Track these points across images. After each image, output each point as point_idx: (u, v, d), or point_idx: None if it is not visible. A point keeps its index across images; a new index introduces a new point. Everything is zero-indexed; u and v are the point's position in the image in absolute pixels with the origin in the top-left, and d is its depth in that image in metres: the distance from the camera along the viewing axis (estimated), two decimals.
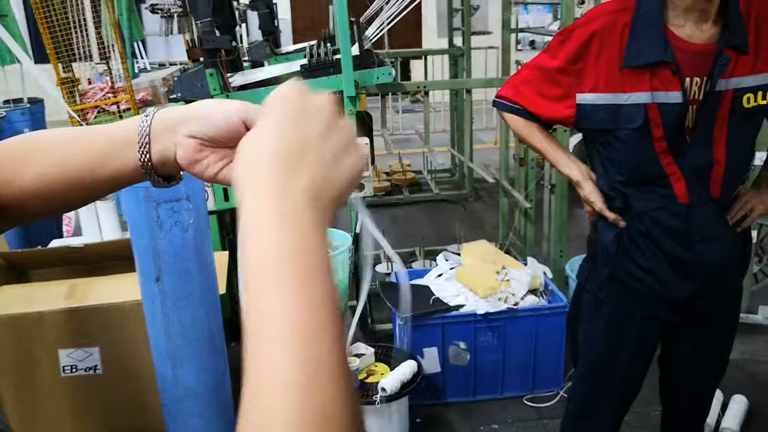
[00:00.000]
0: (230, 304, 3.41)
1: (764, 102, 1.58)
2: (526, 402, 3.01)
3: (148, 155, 0.62)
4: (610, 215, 1.71)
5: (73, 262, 3.04)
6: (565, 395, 2.95)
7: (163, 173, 0.65)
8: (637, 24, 1.57)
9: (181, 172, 0.67)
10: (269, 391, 0.42)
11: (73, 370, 2.69)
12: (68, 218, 3.45)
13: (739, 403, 2.82)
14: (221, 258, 2.93)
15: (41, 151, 0.66)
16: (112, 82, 3.17)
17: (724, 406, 2.80)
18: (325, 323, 0.44)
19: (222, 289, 2.64)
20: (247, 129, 0.60)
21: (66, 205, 0.70)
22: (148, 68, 5.76)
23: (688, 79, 1.56)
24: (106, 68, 3.36)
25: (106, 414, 2.79)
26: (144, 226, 2.20)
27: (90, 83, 3.48)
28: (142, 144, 0.62)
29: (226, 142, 0.62)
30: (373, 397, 2.51)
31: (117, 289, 2.73)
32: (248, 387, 0.43)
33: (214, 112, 0.62)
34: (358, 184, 0.53)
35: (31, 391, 2.61)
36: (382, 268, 4.41)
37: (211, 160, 0.63)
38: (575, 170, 1.78)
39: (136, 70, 6.25)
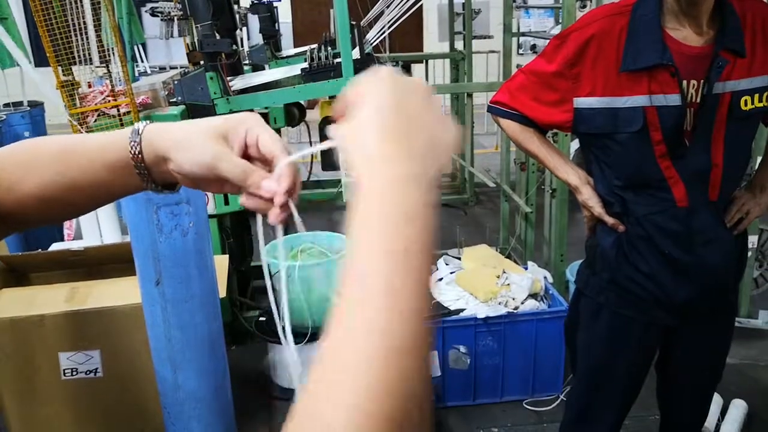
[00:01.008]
0: (230, 308, 3.41)
1: (761, 104, 1.59)
2: (526, 406, 3.01)
3: (150, 179, 0.65)
4: (609, 220, 1.71)
5: (73, 265, 3.04)
6: (565, 399, 2.94)
7: (167, 184, 0.67)
8: (634, 27, 1.57)
9: None
10: (353, 356, 0.41)
11: (74, 373, 2.69)
12: (69, 223, 3.46)
13: (738, 408, 2.82)
14: (221, 262, 2.93)
15: (43, 167, 0.66)
16: (112, 86, 3.17)
17: (723, 411, 2.80)
18: (422, 304, 0.44)
19: (222, 293, 2.64)
20: (221, 179, 0.62)
21: (67, 215, 0.71)
22: (149, 72, 5.77)
23: (685, 82, 1.57)
24: (106, 71, 3.36)
25: (107, 417, 2.79)
26: (144, 229, 2.21)
27: (90, 86, 3.48)
28: (142, 172, 0.64)
29: (212, 181, 0.63)
30: None
31: (117, 293, 2.74)
32: (329, 344, 0.43)
33: (186, 164, 0.62)
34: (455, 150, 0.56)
35: (32, 394, 2.61)
36: None
37: (207, 187, 0.65)
38: (573, 175, 1.78)
39: (137, 74, 6.26)
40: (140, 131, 0.63)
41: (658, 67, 1.55)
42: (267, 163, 0.63)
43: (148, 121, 0.65)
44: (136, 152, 0.63)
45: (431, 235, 0.49)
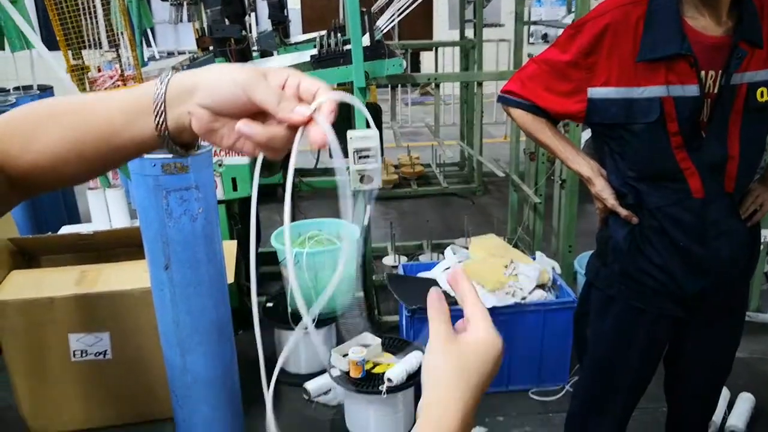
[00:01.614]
0: (238, 293, 3.42)
1: None
2: (532, 395, 3.01)
3: (164, 123, 0.61)
4: (623, 211, 1.70)
5: (82, 248, 3.06)
6: (571, 390, 2.94)
7: (180, 141, 0.63)
8: (652, 16, 1.55)
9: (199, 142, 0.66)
10: None
11: (83, 354, 2.71)
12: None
13: (745, 401, 2.81)
14: (229, 247, 2.94)
15: (54, 120, 0.64)
16: (122, 70, 3.17)
17: (730, 404, 2.80)
18: None
19: (230, 278, 2.65)
20: (251, 104, 0.59)
21: (80, 174, 0.68)
22: (157, 57, 5.76)
23: (703, 73, 1.55)
24: (116, 56, 3.36)
25: (115, 399, 2.81)
26: (153, 214, 2.21)
27: (99, 71, 3.48)
28: (158, 112, 0.60)
29: (236, 115, 0.60)
30: (380, 388, 2.52)
31: (127, 276, 2.75)
32: None
33: (222, 82, 0.60)
34: None
35: (42, 375, 2.63)
36: (389, 260, 4.41)
37: (226, 131, 0.61)
38: (585, 166, 1.77)
39: (145, 59, 6.24)
40: (169, 75, 0.62)
41: (677, 57, 1.53)
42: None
43: (178, 71, 0.63)
44: (161, 92, 0.60)
45: None
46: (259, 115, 0.61)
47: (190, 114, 0.60)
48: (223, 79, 0.60)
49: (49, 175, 0.65)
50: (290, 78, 0.61)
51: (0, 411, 2.90)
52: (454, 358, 0.63)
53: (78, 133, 0.63)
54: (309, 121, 0.60)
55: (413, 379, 2.59)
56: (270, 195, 5.50)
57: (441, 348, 0.63)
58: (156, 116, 0.60)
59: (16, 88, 5.28)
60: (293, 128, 0.60)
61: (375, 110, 3.69)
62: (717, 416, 2.67)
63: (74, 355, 2.69)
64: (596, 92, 1.65)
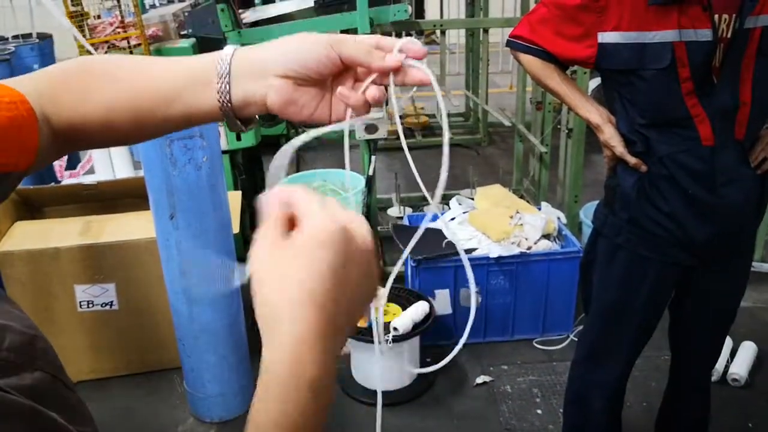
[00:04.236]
0: (243, 244, 3.42)
1: None
2: (536, 345, 3.04)
3: (228, 96, 0.59)
4: (631, 159, 1.67)
5: (86, 199, 3.05)
6: (575, 339, 2.97)
7: (242, 116, 0.62)
8: None
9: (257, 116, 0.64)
10: None
11: (90, 305, 2.73)
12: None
13: (747, 350, 2.83)
14: (234, 197, 2.93)
15: (113, 78, 0.62)
16: (122, 17, 3.10)
17: (733, 353, 2.82)
18: None
19: (236, 228, 2.65)
20: (342, 62, 0.59)
21: (130, 137, 0.66)
22: (157, 4, 5.63)
23: (716, 16, 1.51)
24: (115, 3, 3.29)
25: (123, 349, 2.84)
26: (158, 163, 2.20)
27: (99, 18, 3.42)
28: (222, 86, 0.59)
29: (321, 78, 0.60)
30: (386, 337, 2.54)
31: (131, 227, 2.75)
32: None
33: (306, 47, 0.58)
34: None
35: (49, 325, 2.65)
36: (393, 211, 4.41)
37: (306, 99, 0.60)
38: (595, 113, 1.74)
39: (146, 5, 6.12)
40: (235, 48, 0.60)
41: (690, 1, 1.49)
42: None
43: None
44: (226, 63, 0.59)
45: (326, 411, 0.49)
46: (340, 78, 0.61)
47: (268, 88, 0.59)
48: (306, 45, 0.58)
49: (97, 133, 0.63)
50: (366, 39, 0.61)
51: None
52: (282, 266, 0.48)
53: (134, 98, 0.61)
54: (399, 67, 0.60)
55: (419, 329, 2.61)
56: (273, 146, 5.46)
57: (265, 257, 0.49)
58: (220, 90, 0.59)
59: (15, 37, 5.21)
60: (383, 80, 0.61)
61: None
62: (720, 364, 2.70)
63: (80, 305, 2.71)
64: (607, 37, 1.61)
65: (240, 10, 3.24)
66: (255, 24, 3.25)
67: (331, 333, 0.48)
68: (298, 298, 0.46)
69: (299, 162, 3.94)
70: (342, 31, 3.55)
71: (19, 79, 0.61)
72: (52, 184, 3.34)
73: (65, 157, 3.44)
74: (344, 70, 0.61)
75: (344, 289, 0.48)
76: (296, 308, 0.46)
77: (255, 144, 3.26)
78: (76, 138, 0.63)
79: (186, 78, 0.61)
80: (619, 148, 1.69)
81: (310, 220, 0.49)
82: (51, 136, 0.61)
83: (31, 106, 0.58)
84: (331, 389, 0.49)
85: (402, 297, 2.82)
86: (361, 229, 0.51)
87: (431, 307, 2.75)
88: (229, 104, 0.60)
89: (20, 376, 0.43)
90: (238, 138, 3.22)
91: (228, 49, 0.60)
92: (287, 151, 0.57)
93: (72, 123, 0.61)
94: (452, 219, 3.27)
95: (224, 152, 3.14)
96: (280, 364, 0.46)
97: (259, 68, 0.59)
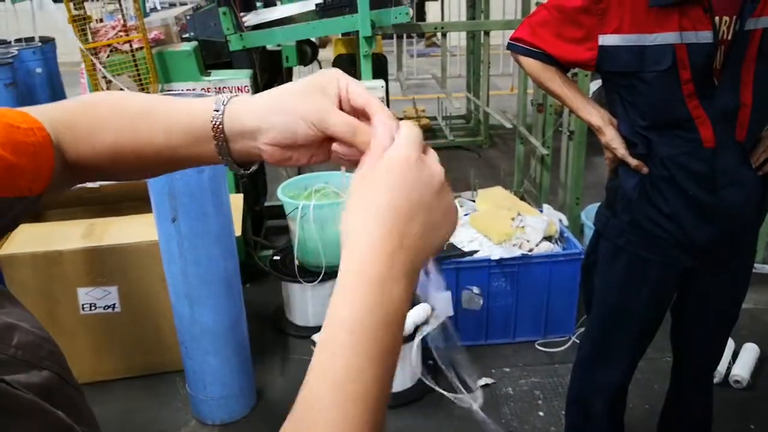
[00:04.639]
0: (245, 247, 3.43)
1: None
2: (538, 347, 3.04)
3: (228, 152, 0.61)
4: (633, 161, 1.68)
5: (89, 202, 3.06)
6: (577, 341, 2.97)
7: (243, 163, 0.64)
8: None
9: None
10: None
11: (92, 308, 2.73)
12: None
13: (750, 352, 2.83)
14: (236, 200, 2.94)
15: (118, 120, 0.64)
16: (125, 21, 3.11)
17: (735, 355, 2.82)
18: (383, 404, 0.48)
19: (238, 231, 2.65)
20: (321, 132, 0.59)
21: (134, 173, 0.68)
22: (159, 7, 5.65)
23: (717, 18, 1.51)
24: (117, 7, 3.30)
25: (125, 351, 2.85)
26: None
27: (101, 22, 3.43)
28: (221, 145, 0.61)
29: (310, 145, 0.60)
30: None
31: (134, 230, 2.75)
32: None
33: (290, 124, 0.58)
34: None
35: (51, 328, 2.61)
36: None
37: (301, 153, 0.61)
38: (596, 116, 1.74)
39: (147, 9, 6.14)
40: (225, 102, 0.61)
41: (690, 2, 1.50)
42: (359, 116, 0.60)
43: (235, 94, 0.63)
44: (217, 123, 0.60)
45: (401, 340, 0.52)
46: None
47: (260, 150, 0.60)
48: (290, 119, 0.58)
49: (107, 167, 0.65)
50: (341, 88, 0.60)
51: None
52: (362, 190, 0.54)
53: (140, 137, 0.63)
54: None
55: (420, 330, 2.61)
56: None
57: (354, 188, 0.55)
58: (219, 150, 0.61)
59: (18, 40, 5.23)
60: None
61: (380, 61, 3.63)
62: (722, 366, 2.70)
63: (83, 308, 2.72)
64: (607, 39, 1.62)
65: (242, 13, 3.25)
66: (257, 27, 3.26)
67: (400, 250, 0.51)
68: (373, 213, 0.51)
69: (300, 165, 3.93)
70: (343, 34, 3.57)
71: (38, 107, 0.63)
72: None
73: None
74: None
75: (418, 212, 0.52)
76: (368, 222, 0.51)
77: None
78: (87, 169, 0.65)
79: (187, 131, 0.62)
80: (621, 150, 1.69)
81: (390, 150, 0.54)
82: (63, 164, 0.63)
83: (48, 133, 0.60)
84: (403, 314, 0.51)
85: None
86: (435, 162, 0.55)
87: (433, 309, 2.75)
88: (230, 158, 0.62)
89: (29, 373, 0.44)
90: None
91: (218, 102, 0.61)
92: None
93: (84, 154, 0.63)
94: None
95: None
96: (350, 274, 0.50)
97: (250, 133, 0.60)
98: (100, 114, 0.64)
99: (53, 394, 0.45)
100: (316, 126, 0.58)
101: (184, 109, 0.63)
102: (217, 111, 0.60)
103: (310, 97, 0.58)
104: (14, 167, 0.56)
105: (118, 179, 0.70)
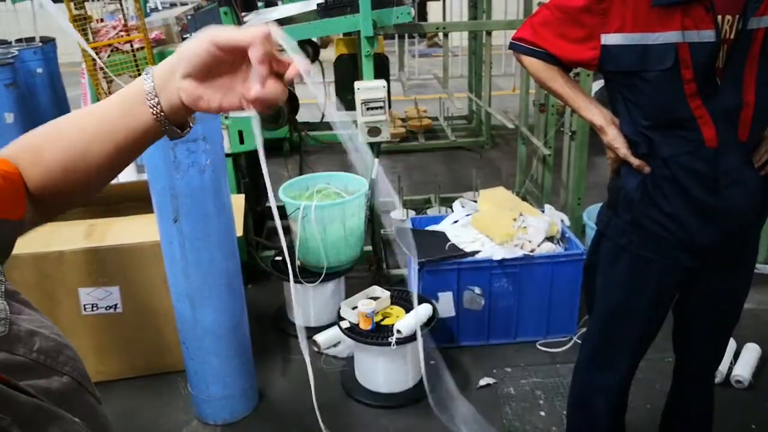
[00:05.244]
0: (246, 247, 3.43)
1: None
2: (539, 347, 3.03)
3: (159, 107, 0.67)
4: (635, 161, 1.67)
5: (89, 203, 3.06)
6: (579, 341, 2.97)
7: (177, 122, 0.70)
8: None
9: (192, 117, 0.72)
10: None
11: (94, 308, 2.74)
12: None
13: (751, 352, 2.83)
14: (237, 201, 2.94)
15: (57, 132, 0.70)
16: (125, 21, 3.11)
17: (736, 355, 2.81)
18: None
19: (239, 231, 2.65)
20: (220, 50, 0.65)
21: (92, 179, 0.72)
22: (160, 7, 5.65)
23: (720, 17, 1.51)
24: (118, 7, 3.30)
25: (127, 351, 2.85)
26: (161, 167, 2.20)
27: (102, 22, 3.43)
28: (152, 100, 0.67)
29: (216, 71, 0.67)
30: (389, 339, 2.54)
31: (135, 230, 2.75)
32: None
33: (192, 47, 0.66)
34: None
35: None
36: (397, 214, 4.41)
37: (211, 92, 0.67)
38: (598, 115, 1.74)
39: (148, 9, 6.14)
40: (153, 69, 0.69)
41: (693, 1, 1.49)
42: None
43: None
44: (151, 79, 0.67)
45: None
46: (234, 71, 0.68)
47: (179, 90, 0.67)
48: (192, 44, 0.66)
49: (61, 184, 0.70)
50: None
51: None
52: None
53: (81, 136, 0.69)
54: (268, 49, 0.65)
55: (422, 331, 2.61)
56: (276, 149, 5.47)
57: None
58: (150, 102, 0.67)
59: (19, 40, 5.22)
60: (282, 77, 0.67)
61: (382, 61, 3.62)
62: (723, 366, 2.69)
63: (85, 308, 2.72)
64: (610, 39, 1.61)
65: (243, 13, 3.25)
66: None
67: None
68: None
69: (302, 165, 3.94)
70: (345, 34, 3.56)
71: None
72: None
73: None
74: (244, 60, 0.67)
75: None
76: None
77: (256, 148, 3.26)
78: (49, 195, 0.70)
79: (121, 105, 0.69)
80: (623, 149, 1.69)
81: None
82: (30, 202, 0.69)
83: (12, 164, 0.67)
84: None
85: (405, 300, 2.82)
86: None
87: (435, 309, 2.75)
88: (162, 113, 0.68)
89: (50, 379, 0.44)
90: (242, 141, 3.23)
91: (148, 69, 0.69)
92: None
93: (38, 180, 0.69)
94: (455, 221, 3.27)
95: (227, 155, 3.15)
96: None
97: (169, 75, 0.67)
98: (40, 138, 0.71)
99: (72, 401, 0.45)
100: (211, 40, 0.64)
101: (117, 94, 0.70)
102: (147, 74, 0.68)
103: (208, 29, 0.66)
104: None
105: (80, 195, 0.74)
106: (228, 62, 0.67)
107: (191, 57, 0.66)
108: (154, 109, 0.67)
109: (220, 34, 0.65)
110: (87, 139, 0.68)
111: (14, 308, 0.47)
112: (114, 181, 3.08)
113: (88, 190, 0.74)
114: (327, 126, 5.26)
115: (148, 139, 0.70)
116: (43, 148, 0.69)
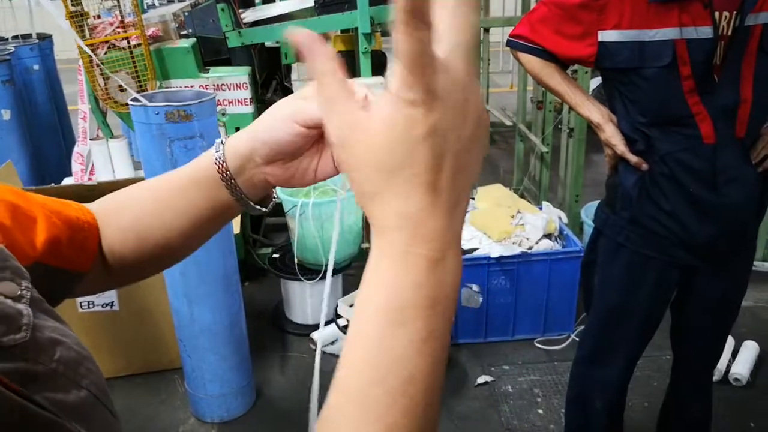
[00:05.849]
0: (244, 245, 3.42)
1: None
2: (537, 344, 3.03)
3: (237, 189, 0.61)
4: (632, 158, 1.67)
5: (87, 199, 3.04)
6: (576, 339, 2.96)
7: (257, 198, 0.63)
8: None
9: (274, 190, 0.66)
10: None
11: (90, 306, 2.73)
12: (80, 156, 3.44)
13: (750, 350, 2.83)
14: None
15: (136, 197, 0.67)
16: (122, 17, 3.09)
17: (734, 352, 2.81)
18: (436, 387, 0.41)
19: (236, 229, 2.64)
20: (306, 128, 0.56)
21: (160, 255, 0.68)
22: (157, 3, 5.63)
23: (717, 14, 1.51)
24: (115, 3, 3.28)
25: (124, 349, 2.84)
26: (158, 163, 2.19)
27: (98, 18, 3.41)
28: (230, 184, 0.60)
29: (303, 150, 0.59)
30: None
31: None
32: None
33: (273, 129, 0.58)
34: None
35: None
36: None
37: (303, 167, 0.60)
38: (596, 112, 1.74)
39: (145, 6, 6.12)
40: (223, 141, 0.61)
41: None
42: None
43: (227, 136, 0.63)
44: (221, 161, 0.60)
45: (450, 322, 0.43)
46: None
47: (263, 174, 0.60)
48: (270, 123, 0.58)
49: (135, 254, 0.66)
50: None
51: None
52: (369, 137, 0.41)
53: (159, 209, 0.64)
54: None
55: None
56: None
57: (351, 123, 0.42)
58: (228, 185, 0.60)
59: (15, 37, 5.20)
60: None
61: (380, 58, 3.61)
62: (721, 364, 2.69)
63: (81, 306, 2.71)
64: (607, 35, 1.61)
65: (240, 10, 3.24)
66: (255, 24, 3.25)
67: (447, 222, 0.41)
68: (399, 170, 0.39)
69: None
70: (342, 31, 3.54)
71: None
72: (53, 184, 3.34)
73: (85, 164, 3.44)
74: None
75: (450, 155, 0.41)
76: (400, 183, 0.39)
77: None
78: (118, 256, 0.66)
79: (197, 184, 0.62)
80: (620, 146, 1.68)
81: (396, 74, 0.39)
82: (102, 264, 0.66)
83: (95, 216, 0.65)
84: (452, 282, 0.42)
85: None
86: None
87: None
88: (243, 196, 0.61)
89: (68, 392, 0.44)
90: None
91: (216, 143, 0.61)
92: None
93: (114, 239, 0.66)
94: None
95: None
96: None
97: (247, 158, 0.59)
98: (117, 199, 0.68)
99: (88, 416, 0.44)
100: (295, 120, 0.56)
101: (187, 166, 0.64)
102: (218, 151, 0.60)
103: (288, 102, 0.58)
104: (64, 239, 0.60)
105: (148, 269, 0.70)
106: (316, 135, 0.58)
107: (273, 143, 0.57)
108: (234, 191, 0.61)
109: (302, 111, 0.56)
110: (164, 206, 0.64)
111: (39, 317, 0.46)
112: (111, 178, 3.06)
113: (160, 263, 0.70)
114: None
115: (225, 212, 0.64)
116: (123, 207, 0.66)
